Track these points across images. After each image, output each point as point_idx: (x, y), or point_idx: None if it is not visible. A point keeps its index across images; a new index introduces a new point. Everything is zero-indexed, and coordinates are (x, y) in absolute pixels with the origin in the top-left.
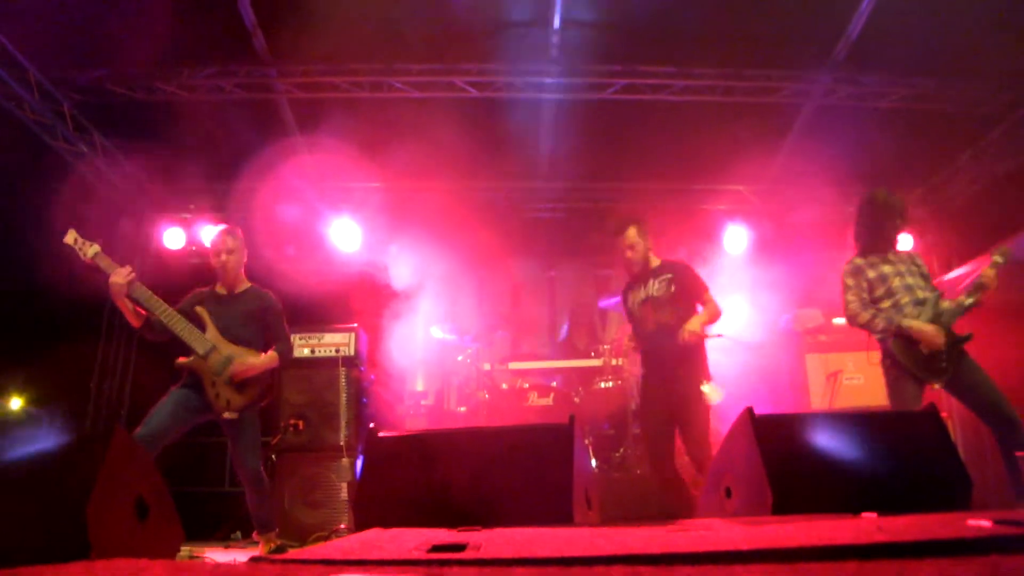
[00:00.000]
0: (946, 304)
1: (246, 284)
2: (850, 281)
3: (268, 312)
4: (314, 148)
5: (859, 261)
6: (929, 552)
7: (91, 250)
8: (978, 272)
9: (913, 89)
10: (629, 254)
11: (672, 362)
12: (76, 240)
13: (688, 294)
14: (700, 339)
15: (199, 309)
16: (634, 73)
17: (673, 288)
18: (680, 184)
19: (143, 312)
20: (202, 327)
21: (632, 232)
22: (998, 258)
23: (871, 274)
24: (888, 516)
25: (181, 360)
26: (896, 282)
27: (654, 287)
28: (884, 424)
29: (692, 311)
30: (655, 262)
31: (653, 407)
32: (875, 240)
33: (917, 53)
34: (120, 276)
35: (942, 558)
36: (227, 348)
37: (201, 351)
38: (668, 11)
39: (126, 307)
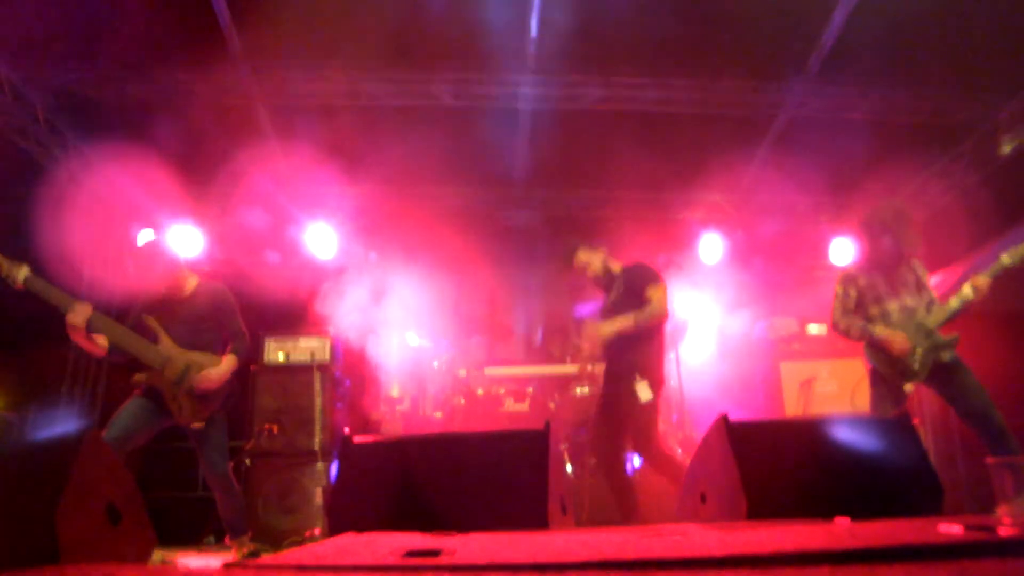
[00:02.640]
0: (935, 308)
1: (193, 283)
2: (839, 289)
3: (220, 309)
4: (289, 152)
5: (853, 269)
6: (900, 557)
7: (20, 273)
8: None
9: (885, 100)
10: (589, 274)
11: (620, 363)
12: (1, 265)
13: (634, 295)
14: (607, 339)
15: (148, 320)
16: (610, 82)
17: (623, 290)
18: (655, 193)
19: (102, 340)
20: (154, 338)
21: (581, 255)
22: (1006, 259)
23: (862, 281)
24: (860, 522)
25: (138, 377)
26: (885, 290)
27: (613, 295)
28: (857, 431)
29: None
30: (616, 268)
31: (602, 415)
32: (874, 255)
33: (889, 65)
34: (78, 317)
35: (913, 563)
36: (183, 357)
37: (156, 365)
38: (645, 21)
39: (88, 344)
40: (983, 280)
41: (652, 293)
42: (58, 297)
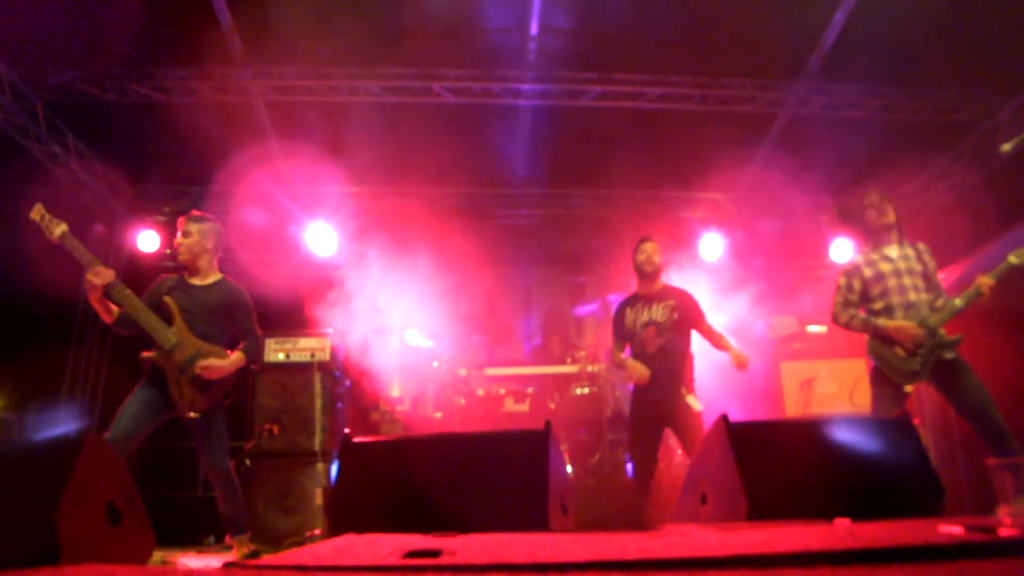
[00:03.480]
0: (940, 304)
1: (216, 276)
2: (842, 281)
3: (237, 307)
4: (290, 151)
5: (859, 259)
6: (900, 558)
7: (58, 229)
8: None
9: (886, 99)
10: (648, 264)
11: (668, 381)
12: (43, 217)
13: (690, 322)
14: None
15: (167, 299)
16: (610, 80)
17: (676, 316)
18: (656, 192)
19: (116, 308)
20: (169, 319)
21: (654, 245)
22: (1013, 259)
23: (868, 273)
24: (860, 522)
25: (145, 354)
26: (892, 282)
27: (658, 311)
28: (857, 431)
29: (689, 337)
30: (659, 285)
31: (646, 423)
32: (869, 237)
33: (890, 64)
34: (99, 278)
35: (913, 564)
36: (193, 345)
37: (166, 346)
38: (645, 19)
39: (100, 305)
40: (988, 281)
41: (709, 326)
42: (87, 257)
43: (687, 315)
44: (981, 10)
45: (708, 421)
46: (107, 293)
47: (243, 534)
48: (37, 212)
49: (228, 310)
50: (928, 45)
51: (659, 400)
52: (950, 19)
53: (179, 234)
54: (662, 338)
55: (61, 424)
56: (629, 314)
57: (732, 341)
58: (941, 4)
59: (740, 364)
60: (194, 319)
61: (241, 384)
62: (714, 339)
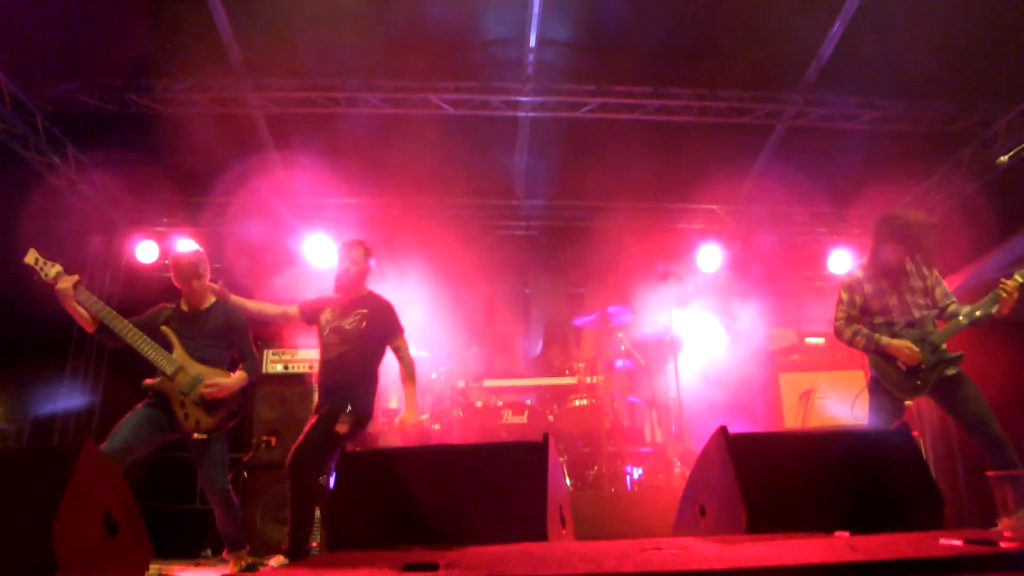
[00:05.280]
0: (952, 310)
1: (211, 300)
2: (844, 295)
3: (234, 330)
4: (289, 163)
5: (859, 274)
6: (901, 571)
7: (53, 270)
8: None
9: (883, 111)
10: (341, 272)
11: (335, 392)
12: (37, 260)
13: (379, 335)
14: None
15: (165, 329)
16: (609, 92)
17: (364, 325)
18: (654, 203)
19: (90, 315)
20: (168, 347)
21: (358, 251)
22: (1020, 278)
23: (868, 288)
24: (861, 535)
25: (148, 381)
26: (892, 299)
27: (348, 321)
28: (857, 443)
29: (380, 351)
30: (362, 292)
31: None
32: (876, 261)
33: (887, 75)
34: (66, 282)
35: None
36: (194, 368)
37: (168, 371)
38: (643, 32)
39: (75, 313)
40: (996, 307)
41: (401, 343)
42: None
43: (379, 328)
44: (978, 21)
45: (705, 433)
46: (105, 327)
47: (241, 550)
48: (31, 256)
49: (226, 332)
50: (925, 56)
51: (325, 410)
52: (947, 30)
53: (192, 279)
54: (344, 346)
55: (58, 435)
56: (326, 314)
57: (413, 393)
58: (938, 15)
59: (402, 425)
60: (194, 345)
61: (244, 405)
62: (402, 364)
